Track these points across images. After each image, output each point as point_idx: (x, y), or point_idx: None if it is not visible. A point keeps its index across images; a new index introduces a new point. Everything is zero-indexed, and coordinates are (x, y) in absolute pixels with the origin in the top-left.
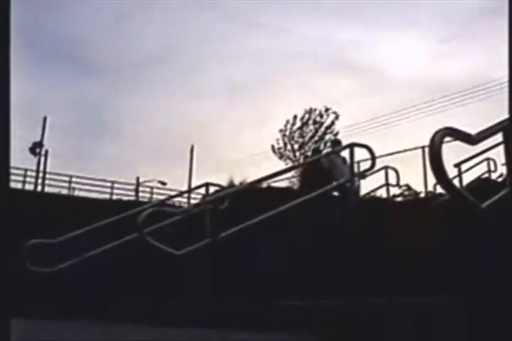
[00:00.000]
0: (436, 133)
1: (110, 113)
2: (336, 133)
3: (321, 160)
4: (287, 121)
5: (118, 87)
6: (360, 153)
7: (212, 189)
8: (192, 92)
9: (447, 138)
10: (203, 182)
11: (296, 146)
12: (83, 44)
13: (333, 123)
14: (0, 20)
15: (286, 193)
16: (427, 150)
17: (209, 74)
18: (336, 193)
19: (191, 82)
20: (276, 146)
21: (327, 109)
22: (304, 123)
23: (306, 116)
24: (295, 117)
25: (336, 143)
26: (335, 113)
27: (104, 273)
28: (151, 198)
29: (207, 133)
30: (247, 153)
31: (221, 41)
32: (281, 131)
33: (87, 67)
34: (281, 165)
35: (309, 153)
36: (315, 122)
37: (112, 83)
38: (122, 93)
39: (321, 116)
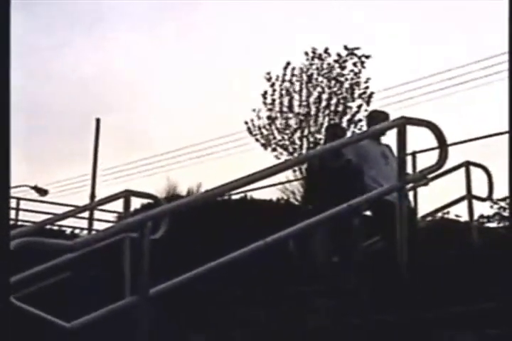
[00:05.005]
0: None
1: None
2: (369, 97)
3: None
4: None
5: None
6: (415, 138)
7: (136, 202)
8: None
9: None
10: (119, 190)
11: (292, 122)
12: None
13: (358, 74)
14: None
15: (276, 211)
16: None
17: None
18: (368, 213)
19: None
20: (256, 124)
21: (352, 50)
22: (308, 79)
23: (311, 63)
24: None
25: (375, 116)
26: (362, 58)
27: None
28: (16, 220)
29: (126, 98)
30: (205, 135)
31: None
32: (265, 93)
33: None
34: (269, 157)
35: (320, 137)
36: (327, 77)
37: None
38: None
39: (341, 66)
